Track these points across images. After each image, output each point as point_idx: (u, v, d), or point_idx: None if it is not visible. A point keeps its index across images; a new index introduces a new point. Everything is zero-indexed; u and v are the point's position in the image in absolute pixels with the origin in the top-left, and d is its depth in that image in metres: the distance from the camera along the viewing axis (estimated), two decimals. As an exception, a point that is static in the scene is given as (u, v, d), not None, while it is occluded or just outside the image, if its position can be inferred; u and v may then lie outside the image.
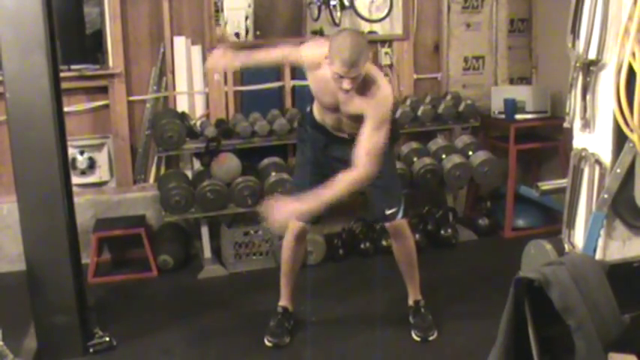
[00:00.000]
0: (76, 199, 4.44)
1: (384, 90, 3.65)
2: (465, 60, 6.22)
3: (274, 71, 5.71)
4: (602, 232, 2.66)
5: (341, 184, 3.45)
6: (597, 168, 2.67)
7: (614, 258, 2.65)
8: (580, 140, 2.75)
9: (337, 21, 6.18)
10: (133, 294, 4.91)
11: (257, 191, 5.16)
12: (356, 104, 3.62)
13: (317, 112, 3.94)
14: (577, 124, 2.75)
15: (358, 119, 3.64)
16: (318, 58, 3.64)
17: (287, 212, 3.42)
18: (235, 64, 4.19)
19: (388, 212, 3.98)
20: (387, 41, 6.02)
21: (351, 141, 3.77)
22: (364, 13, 6.12)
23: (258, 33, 6.10)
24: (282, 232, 3.98)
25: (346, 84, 3.45)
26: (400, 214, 4.00)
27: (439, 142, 5.77)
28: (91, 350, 4.00)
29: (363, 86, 3.58)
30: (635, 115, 2.45)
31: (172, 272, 5.22)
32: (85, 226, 5.07)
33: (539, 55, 6.31)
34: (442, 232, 5.59)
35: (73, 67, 5.32)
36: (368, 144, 3.50)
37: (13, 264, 5.06)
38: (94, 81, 5.43)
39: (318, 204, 3.43)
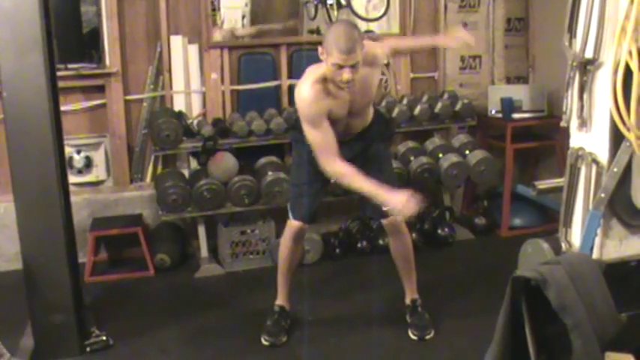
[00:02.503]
0: (73, 198, 4.44)
1: (370, 44, 3.77)
2: (462, 59, 6.22)
3: (271, 70, 5.71)
4: (598, 231, 2.66)
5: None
6: (594, 167, 2.67)
7: (611, 257, 2.66)
8: (577, 139, 2.76)
9: (334, 20, 6.18)
10: (129, 293, 4.90)
11: (254, 190, 5.15)
12: (372, 75, 3.77)
13: None
14: (574, 123, 2.75)
15: (365, 107, 3.82)
16: (322, 94, 3.65)
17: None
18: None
19: (385, 208, 3.98)
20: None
21: (350, 141, 3.78)
22: (361, 12, 6.11)
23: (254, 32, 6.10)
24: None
25: (346, 73, 3.46)
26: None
27: (436, 141, 5.76)
28: (88, 349, 3.99)
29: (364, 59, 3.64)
30: (631, 114, 2.46)
31: (169, 271, 5.22)
32: (81, 225, 5.06)
33: (536, 54, 6.32)
34: (439, 231, 5.59)
35: (69, 66, 5.31)
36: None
37: (9, 263, 5.05)
38: (90, 80, 5.42)
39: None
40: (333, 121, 3.71)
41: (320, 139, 3.64)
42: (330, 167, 3.64)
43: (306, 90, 3.64)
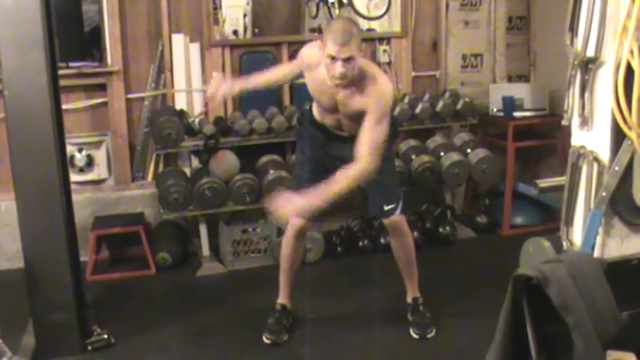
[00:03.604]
0: (75, 197, 4.44)
1: (384, 84, 3.66)
2: (464, 57, 6.22)
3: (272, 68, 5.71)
4: (600, 230, 2.66)
5: (344, 179, 3.45)
6: (596, 165, 2.67)
7: (613, 255, 2.66)
8: (578, 138, 2.75)
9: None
10: (131, 292, 4.91)
11: (255, 189, 5.15)
12: (356, 102, 3.64)
13: (316, 111, 3.95)
14: (575, 121, 2.75)
15: (358, 118, 3.65)
16: (315, 57, 3.67)
17: (291, 207, 3.42)
18: (235, 90, 4.20)
19: (386, 208, 3.98)
20: (385, 39, 6.02)
21: (350, 139, 3.77)
22: (362, 10, 6.12)
23: (256, 31, 6.10)
24: (284, 226, 3.99)
25: (339, 67, 3.46)
26: (398, 211, 4.00)
27: (437, 139, 5.77)
28: (89, 348, 4.00)
29: (362, 82, 3.60)
30: (633, 112, 2.45)
31: (170, 270, 5.22)
32: (83, 224, 5.07)
33: (538, 53, 6.32)
34: (440, 229, 5.60)
35: (71, 64, 5.32)
36: (370, 138, 3.51)
37: (11, 261, 5.06)
38: (92, 78, 5.42)
39: (321, 200, 3.43)
40: (319, 103, 3.87)
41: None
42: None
43: (311, 45, 3.85)
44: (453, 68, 6.21)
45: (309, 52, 3.78)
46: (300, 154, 4.16)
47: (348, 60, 3.46)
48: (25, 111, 3.67)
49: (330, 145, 3.95)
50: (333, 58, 3.46)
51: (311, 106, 4.00)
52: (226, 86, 4.08)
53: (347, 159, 3.69)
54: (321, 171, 3.87)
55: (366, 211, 4.56)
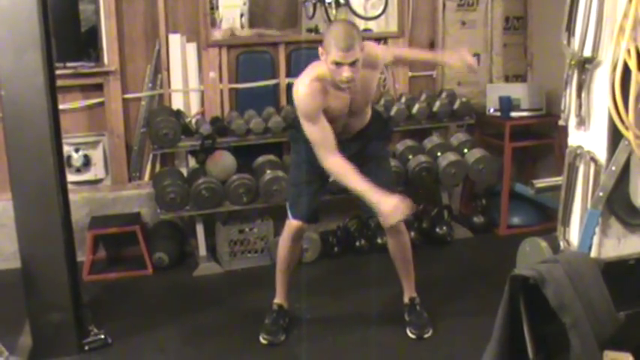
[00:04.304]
0: (71, 197, 4.44)
1: (370, 44, 3.83)
2: (460, 58, 6.22)
3: (269, 69, 5.71)
4: (597, 230, 2.66)
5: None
6: (592, 165, 2.67)
7: (609, 255, 2.66)
8: (575, 138, 2.75)
9: (332, 19, 6.17)
10: (128, 292, 4.90)
11: (252, 189, 5.15)
12: (371, 76, 3.78)
13: None
14: (572, 121, 2.75)
15: (364, 107, 3.83)
16: (319, 91, 3.65)
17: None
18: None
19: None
20: (382, 39, 6.01)
21: (346, 141, 3.78)
22: (359, 10, 6.12)
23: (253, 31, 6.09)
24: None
25: (346, 72, 3.47)
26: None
27: (434, 139, 5.76)
28: (86, 348, 4.00)
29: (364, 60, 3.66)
30: (630, 112, 2.45)
31: (167, 270, 5.22)
32: (80, 224, 5.07)
33: (535, 53, 6.32)
34: (437, 229, 5.60)
35: (68, 64, 5.31)
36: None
37: (8, 261, 5.05)
38: (89, 78, 5.42)
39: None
40: (331, 119, 3.72)
41: (317, 134, 3.66)
42: (327, 163, 3.66)
43: (303, 86, 3.66)
44: (450, 68, 6.20)
45: (312, 99, 3.64)
46: (295, 156, 4.16)
47: (353, 63, 3.47)
48: (22, 111, 3.66)
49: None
50: (339, 64, 3.47)
51: None
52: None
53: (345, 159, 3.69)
54: (318, 172, 3.88)
55: (363, 210, 4.56)
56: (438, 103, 5.75)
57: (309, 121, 3.66)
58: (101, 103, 5.48)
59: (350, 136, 3.92)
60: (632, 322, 2.30)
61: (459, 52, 4.09)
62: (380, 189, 3.96)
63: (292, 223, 4.04)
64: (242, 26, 6.01)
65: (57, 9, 4.76)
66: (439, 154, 5.55)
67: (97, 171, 5.57)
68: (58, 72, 4.32)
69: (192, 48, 5.57)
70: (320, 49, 3.59)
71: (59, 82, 4.36)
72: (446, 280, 4.90)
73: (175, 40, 5.50)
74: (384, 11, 6.05)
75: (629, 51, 2.45)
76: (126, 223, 5.24)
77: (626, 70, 2.46)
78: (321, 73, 3.61)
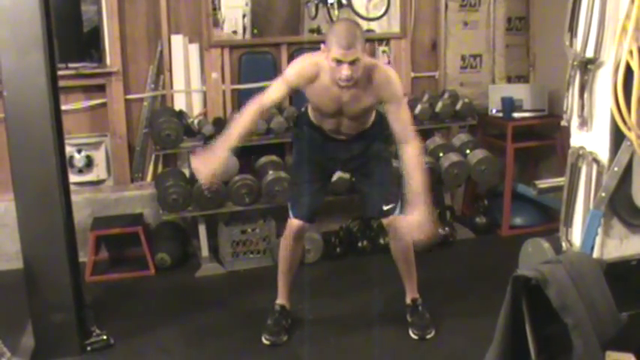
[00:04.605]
0: (74, 198, 4.44)
1: (388, 71, 3.75)
2: (463, 58, 6.22)
3: (271, 70, 5.71)
4: (599, 231, 2.66)
5: (416, 167, 3.69)
6: (595, 166, 2.67)
7: (612, 256, 2.66)
8: (577, 138, 2.75)
9: (335, 19, 6.18)
10: (130, 292, 4.90)
11: (254, 190, 5.15)
12: (365, 98, 3.69)
13: (313, 114, 3.95)
14: (574, 122, 2.75)
15: (361, 117, 3.76)
16: (311, 70, 3.69)
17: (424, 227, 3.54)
18: (222, 158, 3.71)
19: (385, 208, 3.98)
20: (384, 39, 6.02)
21: (347, 142, 3.78)
22: (361, 11, 6.12)
23: (255, 31, 6.10)
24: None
25: (345, 70, 3.47)
26: (397, 211, 3.99)
27: (437, 140, 5.76)
28: (89, 349, 3.99)
29: (368, 78, 3.64)
30: (632, 113, 2.45)
31: (170, 271, 5.22)
32: (82, 225, 5.07)
33: (537, 54, 6.32)
34: (440, 230, 5.59)
35: (70, 65, 5.32)
36: (404, 121, 3.72)
37: (10, 262, 5.05)
38: (91, 79, 5.43)
39: (426, 199, 3.64)
40: (320, 111, 3.83)
41: (272, 87, 3.78)
42: (248, 105, 3.78)
43: (302, 60, 3.78)
44: (452, 69, 6.21)
45: (300, 69, 3.74)
46: (297, 156, 4.16)
47: (353, 62, 3.47)
48: (24, 112, 3.67)
49: (327, 147, 3.96)
50: (339, 62, 3.47)
51: (307, 108, 4.00)
52: (212, 161, 3.67)
53: (344, 160, 3.69)
54: (320, 171, 3.89)
55: (365, 212, 4.57)
56: (440, 104, 5.75)
57: (282, 78, 3.77)
58: (103, 104, 5.49)
59: (350, 137, 3.92)
60: (634, 323, 2.30)
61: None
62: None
63: (293, 223, 4.04)
64: (244, 27, 6.02)
65: (59, 10, 4.77)
66: (441, 154, 5.55)
67: (99, 172, 5.58)
68: (60, 73, 4.31)
69: (194, 49, 5.58)
70: (322, 46, 3.60)
71: (61, 83, 4.37)
72: (448, 281, 4.90)
73: (178, 40, 5.50)
74: (386, 12, 6.06)
75: (631, 52, 2.45)
76: (128, 223, 5.24)
77: (629, 71, 2.47)
78: (322, 62, 3.63)
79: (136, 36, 5.49)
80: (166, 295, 4.89)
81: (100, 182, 5.62)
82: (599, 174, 2.66)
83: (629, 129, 2.49)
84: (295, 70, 3.76)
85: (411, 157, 3.66)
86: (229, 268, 5.22)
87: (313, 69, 3.67)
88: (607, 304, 2.23)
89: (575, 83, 2.69)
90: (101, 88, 5.46)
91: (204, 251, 5.29)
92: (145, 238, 5.15)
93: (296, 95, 5.59)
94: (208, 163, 3.64)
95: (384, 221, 4.06)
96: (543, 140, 6.02)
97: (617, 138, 2.58)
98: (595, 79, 2.63)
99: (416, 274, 4.24)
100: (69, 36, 5.31)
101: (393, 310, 4.33)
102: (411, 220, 3.55)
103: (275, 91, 3.78)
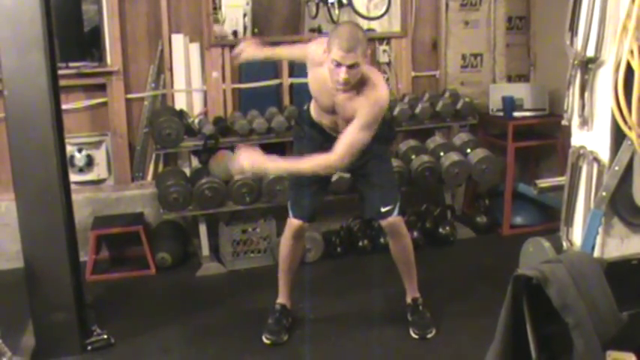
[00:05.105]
0: (74, 197, 4.44)
1: (380, 90, 3.66)
2: (463, 57, 6.22)
3: (272, 69, 5.71)
4: (600, 230, 2.66)
5: (311, 162, 3.63)
6: (595, 166, 2.66)
7: (613, 255, 2.66)
8: (578, 138, 2.75)
9: (335, 18, 6.18)
10: (131, 292, 4.91)
11: (255, 189, 5.16)
12: (352, 105, 3.63)
13: (314, 111, 3.95)
14: (575, 121, 2.74)
15: (352, 120, 3.68)
16: (319, 56, 3.67)
17: (251, 160, 3.52)
18: (260, 55, 4.28)
19: (383, 209, 3.98)
20: (385, 39, 6.02)
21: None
22: (362, 10, 6.12)
23: (256, 31, 6.10)
24: (237, 175, 4.05)
25: (343, 73, 3.46)
26: (396, 212, 3.99)
27: (437, 139, 5.77)
28: (89, 348, 4.00)
29: (361, 88, 3.61)
30: (633, 112, 2.45)
31: (170, 270, 5.22)
32: (83, 224, 5.07)
33: (538, 53, 6.32)
34: (440, 229, 5.60)
35: (71, 64, 5.32)
36: (350, 140, 3.56)
37: (11, 261, 5.06)
38: (92, 78, 5.42)
39: (280, 168, 3.74)
40: (317, 102, 3.86)
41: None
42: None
43: (319, 41, 3.81)
44: (453, 68, 6.21)
45: (316, 49, 3.76)
46: (298, 153, 4.16)
47: (352, 66, 3.46)
48: (25, 111, 3.67)
49: (327, 145, 3.95)
50: (338, 64, 3.46)
51: (309, 106, 4.00)
52: (253, 49, 4.22)
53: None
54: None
55: (364, 213, 4.57)
56: (441, 103, 5.75)
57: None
58: (104, 103, 5.49)
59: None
60: (635, 322, 2.30)
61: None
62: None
63: (293, 222, 4.05)
64: (245, 26, 6.02)
65: (60, 9, 4.78)
66: (442, 154, 5.55)
67: (99, 171, 5.58)
68: (61, 72, 4.32)
69: (195, 48, 5.58)
70: (324, 47, 3.59)
71: (62, 82, 4.37)
72: (449, 280, 4.90)
73: (178, 40, 5.50)
74: (386, 11, 6.06)
75: (632, 51, 2.45)
76: (129, 223, 5.24)
77: (629, 70, 2.46)
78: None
79: (137, 35, 5.49)
80: (167, 295, 4.89)
81: (101, 181, 5.62)
82: (600, 173, 2.66)
83: (629, 128, 2.48)
84: (313, 47, 3.82)
85: (318, 160, 3.61)
86: (230, 267, 5.22)
87: (321, 56, 3.65)
88: (608, 304, 2.22)
89: (575, 82, 2.68)
90: (102, 88, 5.46)
91: (205, 250, 5.29)
92: (146, 238, 5.16)
93: (297, 93, 5.64)
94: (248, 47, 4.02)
95: (382, 223, 4.06)
96: (544, 139, 6.02)
97: (618, 137, 2.57)
98: (596, 78, 2.63)
99: (416, 273, 4.24)
100: (69, 35, 5.32)
101: (394, 310, 4.33)
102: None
103: (299, 49, 4.05)
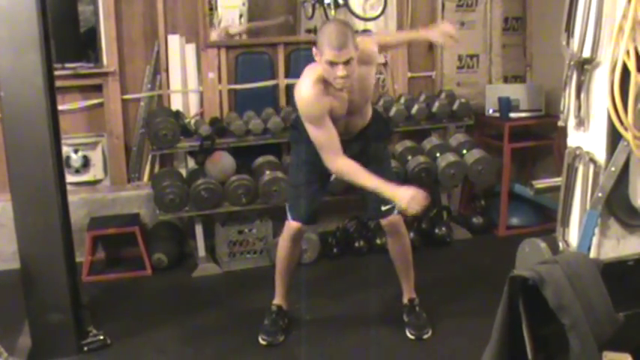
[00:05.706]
0: (70, 198, 4.44)
1: (365, 39, 3.81)
2: (460, 58, 6.23)
3: (268, 70, 5.71)
4: (596, 231, 2.66)
5: None
6: (591, 166, 2.67)
7: (609, 256, 2.66)
8: (574, 139, 2.76)
9: (331, 19, 6.17)
10: (127, 292, 4.90)
11: (251, 190, 5.15)
12: (359, 71, 3.65)
13: None
14: (571, 122, 2.75)
15: (364, 105, 3.84)
16: (322, 98, 3.64)
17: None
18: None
19: (384, 208, 3.98)
20: (381, 39, 6.01)
21: (347, 142, 3.77)
22: (358, 11, 6.11)
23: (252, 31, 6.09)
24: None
25: (340, 70, 3.46)
26: (396, 211, 3.99)
27: (433, 140, 5.76)
28: (85, 349, 3.99)
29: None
30: (629, 113, 2.46)
31: (167, 271, 5.21)
32: (79, 225, 5.06)
33: (534, 54, 6.32)
34: (436, 230, 5.60)
35: (67, 65, 5.31)
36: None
37: (7, 262, 5.04)
38: (88, 79, 5.42)
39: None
40: (333, 119, 3.70)
41: (323, 137, 3.65)
42: (333, 165, 3.67)
43: (306, 89, 3.63)
44: (449, 69, 6.21)
45: (316, 98, 3.64)
46: (295, 157, 4.15)
47: (347, 62, 3.46)
48: (21, 112, 3.66)
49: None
50: (333, 63, 3.46)
51: None
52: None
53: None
54: (318, 173, 3.88)
55: (364, 212, 4.57)
56: (437, 104, 5.75)
57: (315, 124, 3.65)
58: (100, 104, 5.48)
59: (351, 137, 3.91)
60: (631, 323, 2.30)
61: (439, 25, 4.09)
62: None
63: (292, 225, 4.04)
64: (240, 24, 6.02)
65: (56, 10, 4.74)
66: (438, 154, 5.55)
67: (96, 172, 5.58)
68: (57, 73, 4.32)
69: (191, 49, 5.57)
70: (314, 50, 3.57)
71: (58, 83, 4.37)
72: (445, 281, 4.90)
73: (174, 40, 5.50)
74: (383, 12, 6.05)
75: (628, 52, 2.45)
76: (125, 223, 5.24)
77: (625, 71, 2.47)
78: (321, 75, 3.59)
79: (133, 36, 5.49)
80: (163, 296, 4.89)
81: (97, 182, 5.62)
82: (596, 174, 2.66)
83: (625, 129, 2.49)
84: (316, 107, 3.65)
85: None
86: (226, 268, 5.21)
87: (323, 90, 3.62)
88: (604, 305, 2.23)
89: (572, 83, 2.69)
90: (98, 88, 5.45)
91: (201, 251, 5.28)
92: (142, 238, 5.15)
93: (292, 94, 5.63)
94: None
95: (383, 221, 4.06)
96: (540, 140, 6.02)
97: (614, 138, 2.58)
98: (592, 79, 2.63)
99: (413, 274, 4.24)
100: (66, 36, 5.30)
101: (390, 310, 4.33)
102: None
103: (330, 132, 3.67)
